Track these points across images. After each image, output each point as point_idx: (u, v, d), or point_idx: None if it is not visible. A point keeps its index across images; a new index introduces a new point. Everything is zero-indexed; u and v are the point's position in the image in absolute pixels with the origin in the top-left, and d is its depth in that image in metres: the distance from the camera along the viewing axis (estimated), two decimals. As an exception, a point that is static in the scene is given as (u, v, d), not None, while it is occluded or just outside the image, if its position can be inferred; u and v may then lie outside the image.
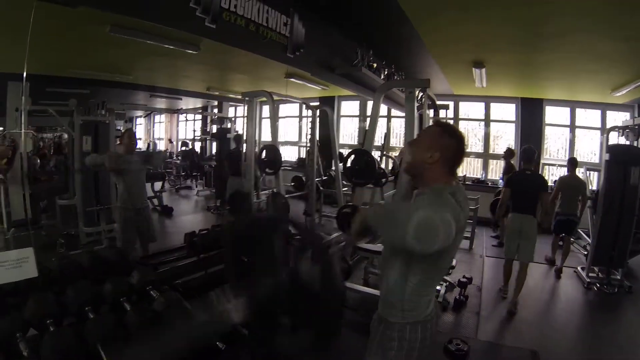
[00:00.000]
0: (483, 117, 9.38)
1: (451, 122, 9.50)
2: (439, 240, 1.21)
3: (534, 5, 3.69)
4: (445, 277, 4.57)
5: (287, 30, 4.42)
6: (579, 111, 8.47)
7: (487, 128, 9.34)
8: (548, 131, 8.68)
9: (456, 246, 1.53)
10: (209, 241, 3.30)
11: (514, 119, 8.89)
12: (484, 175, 9.30)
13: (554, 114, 8.62)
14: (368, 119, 4.53)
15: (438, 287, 4.31)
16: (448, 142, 1.48)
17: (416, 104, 4.44)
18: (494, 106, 9.24)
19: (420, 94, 4.67)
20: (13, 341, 1.47)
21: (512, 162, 7.17)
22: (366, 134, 4.39)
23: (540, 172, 7.55)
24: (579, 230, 6.17)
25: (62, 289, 1.92)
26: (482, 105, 9.34)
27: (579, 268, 5.57)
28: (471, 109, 9.75)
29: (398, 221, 1.25)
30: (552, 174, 8.57)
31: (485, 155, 9.35)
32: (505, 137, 9.35)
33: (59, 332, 1.57)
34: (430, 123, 5.34)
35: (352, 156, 4.14)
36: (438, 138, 1.49)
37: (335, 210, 4.96)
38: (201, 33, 3.46)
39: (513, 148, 7.70)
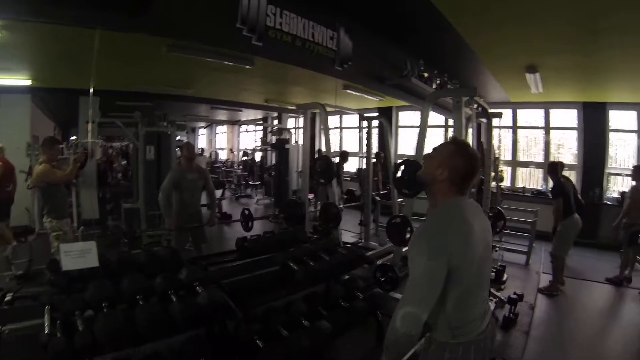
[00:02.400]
0: (543, 125, 8.90)
1: (509, 130, 9.25)
2: (427, 309, 1.38)
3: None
4: (496, 293, 4.44)
5: (334, 43, 4.55)
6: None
7: (547, 136, 8.82)
8: (613, 137, 7.98)
9: (476, 259, 1.47)
10: (259, 246, 3.48)
11: (575, 125, 8.35)
12: (544, 186, 8.76)
13: (619, 119, 7.93)
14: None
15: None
16: (459, 162, 1.50)
17: (470, 113, 4.36)
18: (554, 113, 8.73)
19: (474, 102, 4.56)
20: (72, 318, 1.70)
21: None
22: (416, 144, 4.37)
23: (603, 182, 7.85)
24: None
25: (118, 279, 2.15)
26: (542, 112, 8.88)
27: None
28: (532, 117, 9.26)
29: (394, 332, 1.41)
30: (621, 185, 7.88)
31: (545, 165, 8.80)
32: (567, 145, 8.79)
33: (111, 313, 1.78)
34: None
35: (402, 167, 4.15)
36: (449, 157, 1.52)
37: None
38: (249, 51, 3.69)
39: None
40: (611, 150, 7.98)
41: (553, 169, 5.24)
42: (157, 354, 2.11)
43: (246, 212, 4.67)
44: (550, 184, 5.46)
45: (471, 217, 1.50)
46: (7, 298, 2.02)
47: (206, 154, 16.80)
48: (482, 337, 1.53)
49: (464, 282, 1.45)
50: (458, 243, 1.40)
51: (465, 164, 1.50)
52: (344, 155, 7.90)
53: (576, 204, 5.11)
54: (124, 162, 9.73)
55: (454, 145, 1.57)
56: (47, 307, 1.79)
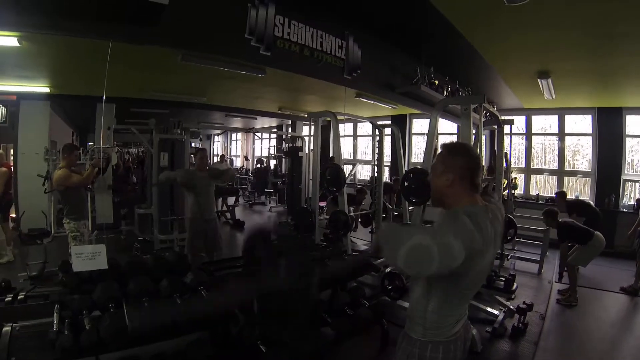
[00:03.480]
0: (557, 131, 8.76)
1: (523, 137, 9.15)
2: (432, 265, 1.25)
3: (599, 3, 3.42)
4: (506, 302, 4.39)
5: (343, 52, 4.59)
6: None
7: (561, 142, 8.67)
8: (630, 143, 7.79)
9: (480, 269, 1.47)
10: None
11: (590, 131, 8.19)
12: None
13: (637, 124, 7.71)
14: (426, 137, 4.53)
15: (496, 312, 4.13)
16: (458, 161, 1.48)
17: (479, 120, 4.38)
18: (570, 118, 8.58)
19: (483, 109, 4.55)
20: (80, 317, 1.78)
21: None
22: (424, 152, 4.38)
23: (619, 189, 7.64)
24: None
25: (126, 281, 2.22)
26: (556, 118, 8.74)
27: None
28: (547, 123, 9.09)
29: (395, 244, 1.32)
30: (637, 192, 7.71)
31: (560, 172, 8.70)
32: (583, 152, 8.61)
33: (117, 313, 1.84)
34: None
35: (411, 175, 4.16)
36: (447, 160, 1.51)
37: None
38: (257, 61, 3.76)
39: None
40: (627, 156, 7.80)
41: (550, 215, 5.22)
42: (163, 354, 2.18)
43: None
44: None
45: (484, 222, 1.42)
46: (20, 297, 2.11)
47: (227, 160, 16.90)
48: (452, 338, 1.53)
49: (462, 286, 1.46)
50: (457, 247, 1.33)
51: (465, 158, 1.49)
52: (362, 192, 7.66)
53: (593, 217, 5.13)
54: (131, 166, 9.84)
55: (444, 150, 1.57)
56: (56, 306, 1.87)
